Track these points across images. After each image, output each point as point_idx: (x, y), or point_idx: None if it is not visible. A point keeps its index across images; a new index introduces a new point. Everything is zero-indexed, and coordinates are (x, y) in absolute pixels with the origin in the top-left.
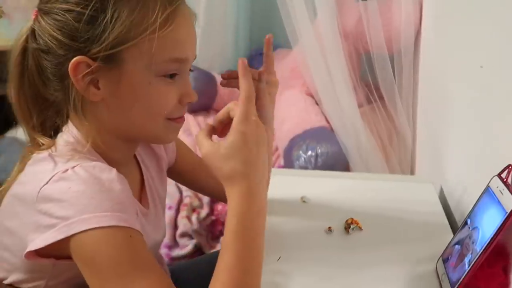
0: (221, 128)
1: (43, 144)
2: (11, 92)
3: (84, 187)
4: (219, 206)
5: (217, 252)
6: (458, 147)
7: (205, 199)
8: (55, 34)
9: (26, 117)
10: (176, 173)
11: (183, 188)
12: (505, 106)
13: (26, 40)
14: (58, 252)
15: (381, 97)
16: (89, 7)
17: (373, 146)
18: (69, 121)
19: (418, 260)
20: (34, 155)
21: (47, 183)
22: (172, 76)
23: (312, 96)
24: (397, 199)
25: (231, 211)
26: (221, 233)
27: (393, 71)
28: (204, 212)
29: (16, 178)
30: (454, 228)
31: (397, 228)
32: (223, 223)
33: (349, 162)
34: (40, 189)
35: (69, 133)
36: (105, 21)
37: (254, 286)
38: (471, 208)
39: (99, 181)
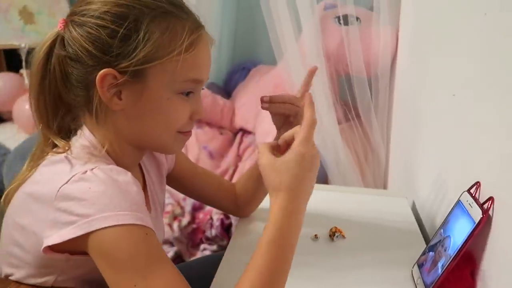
0: (285, 147)
1: (56, 146)
2: (31, 93)
3: (104, 188)
4: (200, 215)
5: (197, 260)
6: (429, 166)
7: (187, 207)
8: (86, 45)
9: (43, 119)
10: (174, 179)
11: (166, 195)
12: (471, 130)
13: (51, 46)
14: (73, 248)
15: (358, 116)
16: (124, 26)
17: (350, 161)
18: (84, 126)
19: (395, 266)
20: (49, 156)
21: (66, 182)
22: (187, 94)
23: None
24: (375, 210)
25: (272, 220)
26: (201, 241)
27: (370, 93)
28: (185, 220)
29: (25, 177)
30: (426, 238)
31: (376, 237)
32: (203, 232)
33: (328, 176)
34: (60, 188)
35: (84, 138)
36: (137, 40)
37: None
38: (440, 220)
39: (116, 182)
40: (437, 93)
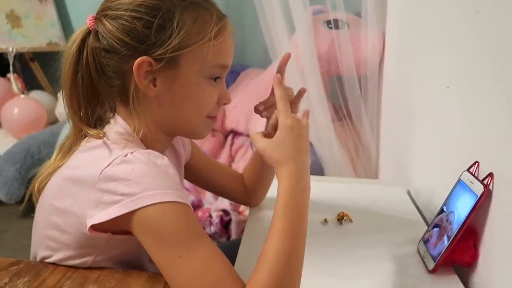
0: (274, 133)
1: (89, 134)
2: (64, 85)
3: (147, 168)
4: (199, 213)
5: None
6: (423, 156)
7: None
8: (122, 37)
9: (75, 109)
10: (189, 170)
11: None
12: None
13: (82, 42)
14: (116, 227)
15: (349, 114)
16: (158, 17)
17: (343, 156)
18: (117, 115)
19: (401, 244)
20: (84, 142)
21: (109, 165)
22: (215, 79)
23: None
24: (375, 198)
25: (281, 188)
26: None
27: (360, 91)
28: None
29: (56, 167)
30: (425, 220)
31: (381, 221)
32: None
33: (324, 170)
34: (102, 170)
35: (118, 125)
36: (171, 29)
37: (300, 249)
38: (437, 204)
39: (156, 164)
40: (427, 86)
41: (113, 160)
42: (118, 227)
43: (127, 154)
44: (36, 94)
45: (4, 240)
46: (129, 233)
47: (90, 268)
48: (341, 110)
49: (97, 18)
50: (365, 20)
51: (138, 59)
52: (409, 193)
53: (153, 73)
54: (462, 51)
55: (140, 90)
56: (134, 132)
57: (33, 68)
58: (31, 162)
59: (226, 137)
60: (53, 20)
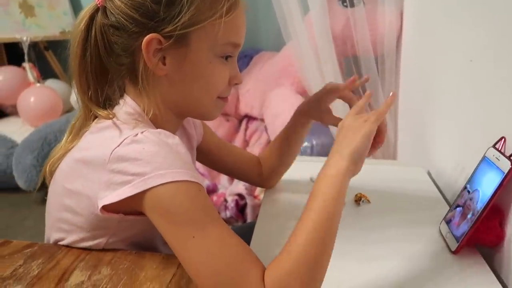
0: None
1: (99, 115)
2: (73, 65)
3: (158, 148)
4: (214, 197)
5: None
6: (442, 135)
7: None
8: (131, 13)
9: (84, 89)
10: (201, 153)
11: None
12: (479, 97)
13: (91, 18)
14: (128, 208)
15: None
16: None
17: None
18: (126, 95)
19: (422, 224)
20: (94, 124)
21: (119, 145)
22: (226, 58)
23: (301, 95)
24: (393, 178)
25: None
26: None
27: (378, 72)
28: None
29: (67, 148)
30: (447, 201)
31: (400, 201)
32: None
33: None
34: (113, 151)
35: (128, 106)
36: (181, 4)
37: (330, 245)
38: (460, 184)
39: (167, 144)
40: (449, 61)
41: (123, 140)
42: (130, 207)
43: (137, 134)
44: (51, 82)
45: (25, 226)
46: (141, 213)
47: (103, 250)
48: (357, 91)
49: None
50: None
51: (147, 36)
52: (429, 174)
53: (163, 51)
54: (485, 22)
55: (149, 69)
56: (144, 112)
57: (47, 57)
58: (48, 150)
59: (240, 121)
60: (66, 9)
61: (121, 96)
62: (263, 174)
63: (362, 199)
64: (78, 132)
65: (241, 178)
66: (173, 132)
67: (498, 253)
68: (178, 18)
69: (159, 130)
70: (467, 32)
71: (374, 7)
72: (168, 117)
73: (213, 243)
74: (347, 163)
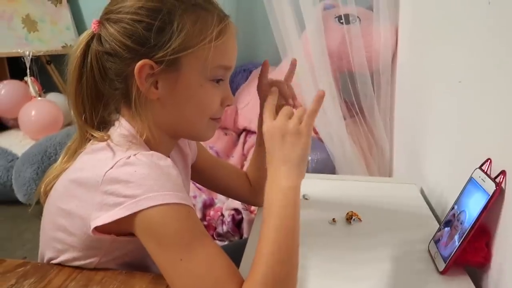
0: None
1: (94, 137)
2: (69, 88)
3: (148, 170)
4: (211, 212)
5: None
6: (434, 152)
7: (198, 205)
8: (123, 40)
9: (80, 112)
10: (195, 170)
11: None
12: (472, 116)
13: (86, 45)
14: (120, 229)
15: (361, 111)
16: (158, 19)
17: (356, 154)
18: (121, 118)
19: (412, 244)
20: (89, 145)
21: (112, 167)
22: (218, 81)
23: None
24: (386, 196)
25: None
26: (213, 238)
27: (373, 88)
28: None
29: (63, 169)
30: (438, 219)
31: (391, 220)
32: (215, 228)
33: (335, 167)
34: (106, 173)
35: (122, 128)
36: (171, 31)
37: (294, 247)
38: (451, 202)
39: (159, 166)
40: (440, 81)
41: (116, 163)
42: (122, 229)
43: (130, 156)
44: (53, 96)
45: (24, 239)
46: (132, 234)
47: (95, 269)
48: (353, 107)
49: (101, 22)
50: (377, 14)
51: (139, 62)
52: (422, 191)
53: (155, 76)
54: (474, 44)
55: (142, 93)
56: (138, 134)
57: (49, 71)
58: (48, 163)
59: (239, 135)
60: (68, 24)
61: (117, 118)
62: (253, 190)
63: (354, 217)
64: (74, 153)
65: (234, 196)
66: (168, 152)
67: (485, 273)
68: (169, 44)
69: (151, 152)
70: (456, 53)
71: (369, 24)
72: (161, 138)
73: (199, 265)
74: (298, 170)
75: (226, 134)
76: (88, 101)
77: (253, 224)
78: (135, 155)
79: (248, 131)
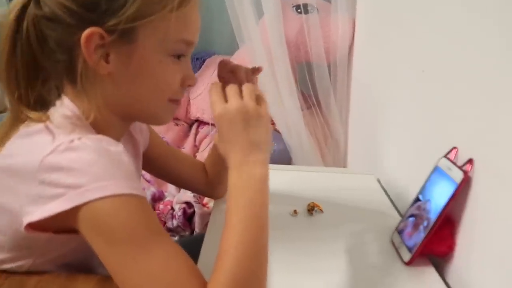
0: None
1: (29, 118)
2: (1, 62)
3: (97, 156)
4: (161, 206)
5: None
6: (393, 144)
7: (146, 198)
8: (66, 3)
9: (12, 87)
10: (147, 160)
11: None
12: (431, 108)
13: (22, 9)
14: (59, 224)
15: (318, 103)
16: None
17: (312, 145)
18: (64, 96)
19: (374, 235)
20: (23, 127)
21: (50, 153)
22: (179, 57)
23: None
24: (345, 187)
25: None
26: None
27: (330, 78)
28: None
29: None
30: (397, 209)
31: (352, 211)
32: (164, 223)
33: (292, 158)
34: (43, 159)
35: (65, 107)
36: None
37: (262, 241)
38: (410, 193)
39: (108, 152)
40: (400, 71)
41: (56, 147)
42: (61, 224)
43: (73, 140)
44: None
45: None
46: (74, 231)
47: (27, 272)
48: (310, 98)
49: None
50: (334, 5)
51: (87, 30)
52: (379, 182)
53: (105, 47)
54: (437, 33)
55: (89, 67)
56: (83, 115)
57: None
58: None
59: (190, 126)
60: None
61: (58, 97)
62: (210, 182)
63: (315, 208)
64: (3, 139)
65: (188, 187)
66: (118, 138)
67: (449, 263)
68: (123, 10)
69: (99, 136)
70: (419, 42)
71: (327, 15)
72: (111, 121)
73: (155, 264)
74: (266, 156)
75: (177, 124)
76: (22, 75)
77: (209, 220)
78: (79, 138)
79: (200, 122)
